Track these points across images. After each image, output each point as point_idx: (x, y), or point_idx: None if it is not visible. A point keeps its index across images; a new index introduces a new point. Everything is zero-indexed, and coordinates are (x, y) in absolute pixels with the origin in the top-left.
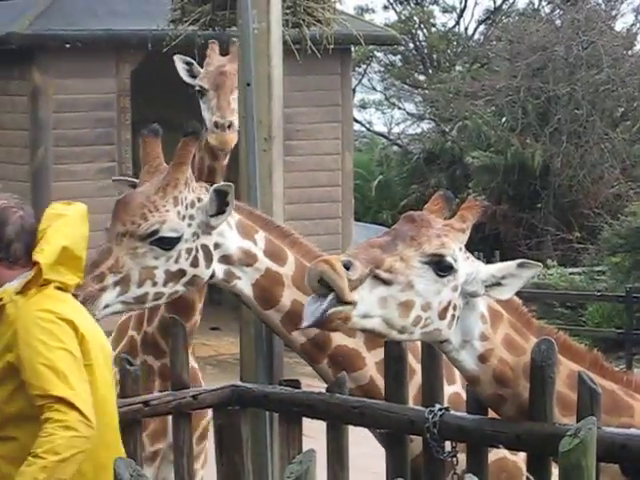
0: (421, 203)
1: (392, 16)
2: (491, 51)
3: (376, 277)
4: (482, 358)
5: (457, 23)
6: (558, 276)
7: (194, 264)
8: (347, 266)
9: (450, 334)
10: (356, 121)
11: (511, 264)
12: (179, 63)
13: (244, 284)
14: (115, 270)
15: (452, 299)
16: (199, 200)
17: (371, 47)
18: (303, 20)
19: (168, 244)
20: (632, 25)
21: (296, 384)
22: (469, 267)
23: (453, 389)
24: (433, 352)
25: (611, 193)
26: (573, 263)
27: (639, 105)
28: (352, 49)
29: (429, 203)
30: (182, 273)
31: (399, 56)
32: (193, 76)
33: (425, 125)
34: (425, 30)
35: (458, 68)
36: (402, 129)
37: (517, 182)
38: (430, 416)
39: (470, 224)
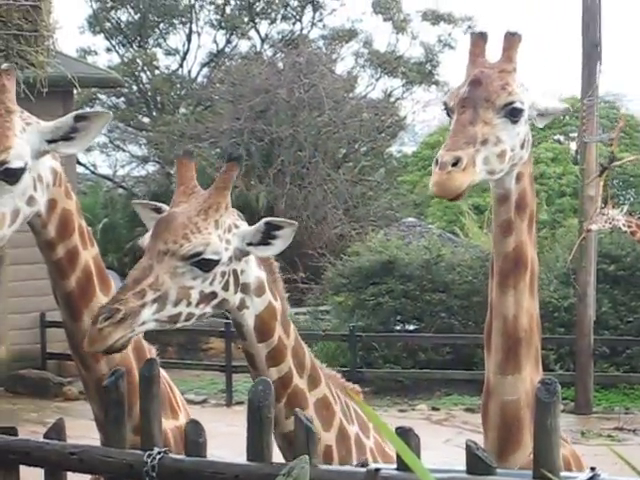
0: None
1: (115, 58)
2: (214, 93)
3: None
4: (517, 177)
5: (180, 66)
6: None
7: (225, 288)
8: (456, 162)
9: (525, 154)
10: (80, 164)
11: None
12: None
13: (250, 314)
14: (155, 288)
15: (527, 128)
16: (235, 226)
17: (94, 89)
18: (16, 63)
19: (207, 266)
20: (352, 68)
21: (13, 431)
22: (528, 94)
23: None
24: (150, 394)
25: (335, 233)
26: (298, 303)
27: (360, 147)
28: (74, 91)
29: (471, 47)
30: (214, 295)
31: (123, 98)
32: None
33: (150, 167)
34: (149, 72)
35: (182, 110)
36: (127, 171)
37: None
38: (149, 460)
39: (516, 57)
